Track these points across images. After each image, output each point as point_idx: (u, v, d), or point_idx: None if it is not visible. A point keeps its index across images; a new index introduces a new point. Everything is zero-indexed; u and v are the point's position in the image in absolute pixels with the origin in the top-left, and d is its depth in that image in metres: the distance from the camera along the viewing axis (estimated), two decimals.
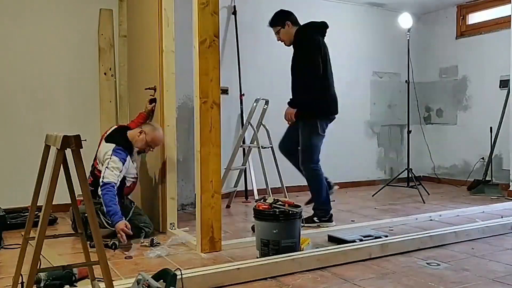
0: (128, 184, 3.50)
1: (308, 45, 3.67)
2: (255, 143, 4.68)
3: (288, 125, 3.85)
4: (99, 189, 3.21)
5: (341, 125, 5.98)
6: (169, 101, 3.60)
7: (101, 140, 3.53)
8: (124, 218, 3.19)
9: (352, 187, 6.00)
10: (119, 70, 4.57)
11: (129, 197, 3.67)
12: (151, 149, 3.55)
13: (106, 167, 3.24)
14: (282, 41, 3.89)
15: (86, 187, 1.78)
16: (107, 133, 3.55)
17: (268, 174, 4.59)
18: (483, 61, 5.92)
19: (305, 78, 3.64)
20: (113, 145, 3.34)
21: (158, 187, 3.68)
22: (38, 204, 1.93)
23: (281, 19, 3.86)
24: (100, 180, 3.22)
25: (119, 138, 3.42)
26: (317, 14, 5.85)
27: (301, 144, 3.73)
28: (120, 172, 3.30)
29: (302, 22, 5.69)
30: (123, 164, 3.31)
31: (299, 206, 2.89)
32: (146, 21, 3.87)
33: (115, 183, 3.23)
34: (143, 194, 3.99)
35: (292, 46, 3.81)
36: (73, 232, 3.25)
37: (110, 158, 3.27)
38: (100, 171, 3.32)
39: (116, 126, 3.68)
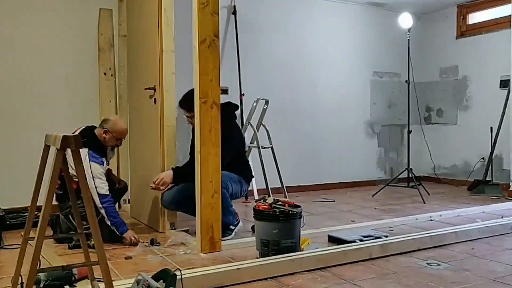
0: None
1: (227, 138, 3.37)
2: (255, 143, 4.67)
3: None
4: (98, 201, 3.15)
5: (341, 125, 6.03)
6: (169, 101, 3.60)
7: None
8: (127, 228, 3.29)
9: (352, 187, 6.00)
10: (119, 70, 4.56)
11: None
12: (122, 141, 3.53)
13: (93, 176, 3.17)
14: (192, 124, 3.45)
15: (85, 187, 1.77)
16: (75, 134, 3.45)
17: (268, 174, 4.60)
18: (483, 61, 5.92)
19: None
20: (85, 150, 3.20)
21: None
22: (37, 204, 1.93)
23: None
24: (96, 191, 3.15)
25: (92, 142, 3.30)
26: (317, 14, 5.87)
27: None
28: (104, 175, 3.29)
29: (302, 22, 5.77)
30: (102, 166, 3.30)
31: (299, 206, 2.89)
32: (146, 21, 3.87)
33: (109, 193, 3.24)
34: (143, 193, 3.99)
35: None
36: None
37: (90, 166, 3.19)
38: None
39: (83, 127, 3.48)
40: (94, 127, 3.46)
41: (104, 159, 3.36)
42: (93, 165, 3.20)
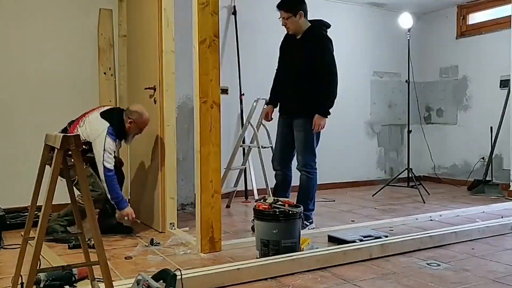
0: None
1: (330, 48, 3.61)
2: (255, 143, 4.67)
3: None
4: (102, 173, 3.29)
5: (341, 125, 6.02)
6: (169, 101, 3.60)
7: (88, 112, 3.50)
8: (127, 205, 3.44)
9: (352, 187, 6.00)
10: (119, 70, 4.56)
11: None
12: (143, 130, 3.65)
13: (104, 149, 3.29)
14: (286, 28, 3.66)
15: (86, 186, 1.77)
16: (102, 109, 3.53)
17: (268, 174, 4.59)
18: (483, 61, 5.92)
19: (332, 77, 3.55)
20: (107, 124, 3.36)
21: (158, 187, 3.67)
22: (37, 204, 1.93)
23: (295, 6, 3.58)
24: (102, 164, 3.28)
25: (116, 120, 3.44)
26: (317, 14, 5.85)
27: (304, 144, 3.69)
28: (114, 152, 3.41)
29: None
30: (115, 144, 3.42)
31: (299, 206, 2.89)
32: (146, 21, 3.87)
33: (113, 169, 3.35)
34: (143, 193, 3.99)
35: (303, 41, 3.62)
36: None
37: (105, 139, 3.31)
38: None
39: (113, 107, 3.62)
40: (123, 110, 3.57)
41: (118, 141, 3.46)
42: (108, 140, 3.32)
